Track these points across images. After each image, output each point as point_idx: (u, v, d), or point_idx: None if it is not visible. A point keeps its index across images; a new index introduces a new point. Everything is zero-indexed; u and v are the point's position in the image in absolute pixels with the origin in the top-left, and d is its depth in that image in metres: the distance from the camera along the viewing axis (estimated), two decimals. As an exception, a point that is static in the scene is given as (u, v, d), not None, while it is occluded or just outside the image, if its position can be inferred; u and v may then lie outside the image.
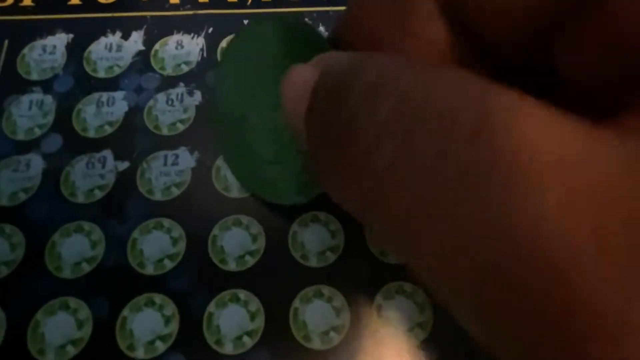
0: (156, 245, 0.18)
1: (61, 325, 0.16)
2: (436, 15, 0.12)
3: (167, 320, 0.16)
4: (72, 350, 0.16)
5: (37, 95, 0.21)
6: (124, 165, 0.19)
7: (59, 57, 0.22)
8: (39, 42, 0.22)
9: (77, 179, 0.19)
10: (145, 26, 0.22)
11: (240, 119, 0.18)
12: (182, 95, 0.21)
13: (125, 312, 0.17)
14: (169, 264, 0.17)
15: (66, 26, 0.22)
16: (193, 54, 0.22)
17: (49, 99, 0.21)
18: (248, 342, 0.16)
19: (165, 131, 0.20)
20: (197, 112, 0.20)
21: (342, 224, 0.18)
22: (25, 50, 0.22)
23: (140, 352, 0.16)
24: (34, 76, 0.21)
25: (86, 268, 0.17)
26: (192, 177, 0.19)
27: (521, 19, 0.11)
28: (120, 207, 0.19)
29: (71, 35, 0.22)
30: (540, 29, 0.11)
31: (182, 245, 0.18)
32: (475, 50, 0.12)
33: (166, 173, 0.19)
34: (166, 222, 0.18)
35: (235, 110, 0.18)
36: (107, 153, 0.20)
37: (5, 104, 0.20)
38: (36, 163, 0.19)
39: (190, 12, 0.23)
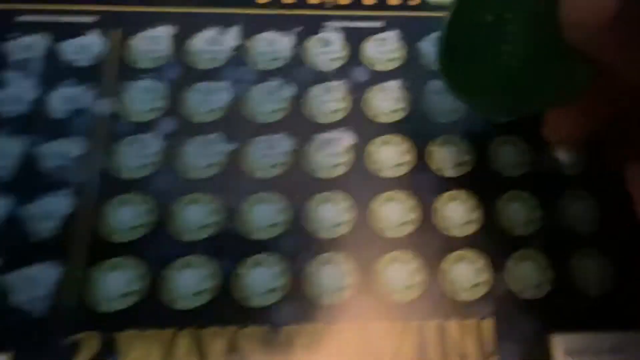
0: (263, 215, 0.21)
1: (189, 279, 0.20)
2: None
3: (277, 277, 0.20)
4: (200, 299, 0.20)
5: (148, 82, 0.23)
6: (231, 146, 0.23)
7: (165, 47, 0.24)
8: (147, 33, 0.24)
9: (192, 157, 0.22)
10: (240, 23, 0.25)
11: (492, 24, 0.18)
12: (276, 87, 0.24)
13: (241, 269, 0.20)
14: (274, 231, 0.21)
15: (170, 19, 0.25)
16: (284, 50, 0.25)
17: (159, 85, 0.23)
18: (343, 295, 0.20)
19: (264, 118, 0.23)
20: (290, 103, 0.23)
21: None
22: (135, 40, 0.24)
23: (255, 301, 0.19)
24: (145, 64, 0.24)
25: (205, 232, 0.21)
26: (291, 159, 0.22)
27: None
28: (231, 183, 0.22)
29: (175, 28, 0.25)
30: None
31: (285, 216, 0.21)
32: None
33: (268, 155, 0.23)
34: (270, 195, 0.22)
35: (487, 15, 0.18)
36: (216, 136, 0.23)
37: (121, 88, 0.23)
38: (155, 142, 0.22)
39: (279, 12, 0.25)
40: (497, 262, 0.21)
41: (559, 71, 0.18)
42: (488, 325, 0.20)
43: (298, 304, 0.20)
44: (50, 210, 0.20)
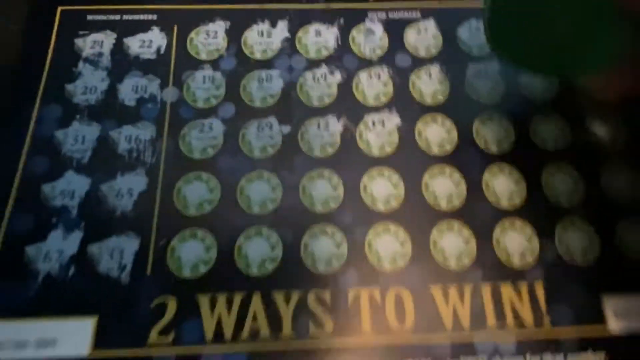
0: (321, 190, 0.23)
1: (258, 248, 0.21)
2: None
3: (338, 245, 0.22)
4: (270, 266, 0.21)
5: (208, 72, 0.25)
6: (287, 128, 0.24)
7: (221, 40, 0.26)
8: (203, 28, 0.26)
9: (252, 139, 0.24)
10: (288, 17, 0.27)
11: None
12: (325, 74, 0.25)
13: (306, 238, 0.22)
14: (332, 204, 0.23)
15: (223, 15, 0.27)
16: (330, 41, 0.26)
17: (218, 75, 0.25)
18: (401, 262, 0.21)
19: (315, 103, 0.25)
20: (338, 88, 0.25)
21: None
22: (192, 34, 0.26)
23: (321, 267, 0.21)
24: (203, 56, 0.26)
25: (270, 206, 0.22)
26: (340, 139, 0.24)
27: None
28: (289, 161, 0.23)
29: (229, 23, 0.27)
30: None
31: (341, 191, 0.23)
32: None
33: (320, 135, 0.24)
34: (326, 172, 0.23)
35: None
36: (272, 119, 0.24)
37: (183, 78, 0.25)
38: (217, 125, 0.24)
39: (324, 6, 0.27)
40: (545, 231, 0.22)
41: (608, 30, 0.19)
42: (540, 288, 0.21)
43: (360, 270, 0.21)
44: (127, 188, 0.22)
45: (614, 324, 0.21)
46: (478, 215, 0.22)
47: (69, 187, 0.22)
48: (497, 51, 0.23)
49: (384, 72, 0.26)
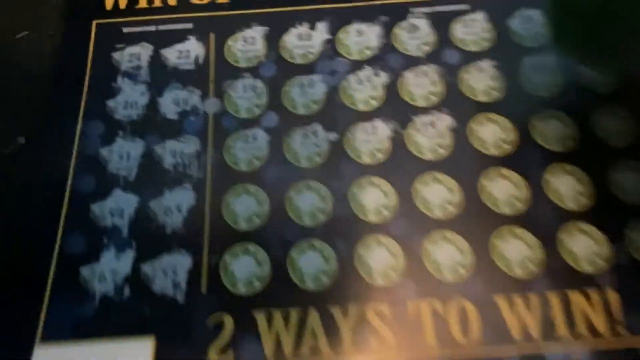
0: (372, 198, 0.22)
1: (312, 261, 0.21)
2: None
3: (394, 256, 0.21)
4: (325, 280, 0.20)
5: (248, 80, 0.25)
6: (332, 135, 0.23)
7: (260, 47, 0.25)
8: (240, 34, 0.26)
9: (298, 148, 0.23)
10: (327, 17, 0.26)
11: None
12: (369, 76, 0.25)
13: (360, 250, 0.21)
14: (386, 213, 0.22)
15: (260, 20, 0.26)
16: (372, 40, 0.25)
17: (259, 83, 0.25)
18: (462, 271, 0.20)
19: (361, 106, 0.24)
20: (384, 89, 0.24)
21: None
22: (230, 42, 0.26)
23: (378, 280, 0.20)
24: (242, 64, 0.25)
25: (321, 217, 0.22)
26: (390, 143, 0.23)
27: None
28: (337, 169, 0.23)
29: (266, 28, 0.26)
30: None
31: (393, 198, 0.22)
32: None
33: (368, 141, 0.23)
34: (377, 179, 0.22)
35: None
36: (317, 126, 0.24)
37: (224, 88, 0.25)
38: (261, 135, 0.23)
39: (364, 4, 0.26)
40: (615, 233, 0.21)
41: None
42: (613, 294, 0.20)
43: (419, 281, 0.21)
44: (176, 204, 0.22)
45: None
46: (542, 218, 0.21)
47: (118, 206, 0.22)
48: (560, 45, 0.21)
49: (431, 70, 0.24)
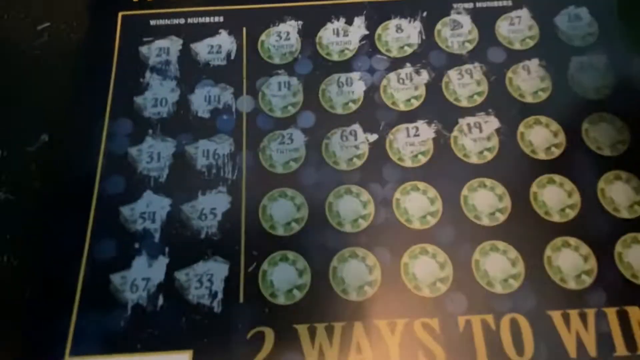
0: (417, 204, 0.21)
1: (355, 271, 0.20)
2: None
3: (442, 266, 0.20)
4: (369, 290, 0.19)
5: (283, 77, 0.24)
6: (373, 137, 0.22)
7: (294, 42, 0.24)
8: (274, 29, 0.25)
9: (336, 150, 0.22)
10: (365, 12, 0.25)
11: None
12: (410, 74, 0.23)
13: (405, 259, 0.20)
14: (431, 220, 0.21)
15: (294, 14, 0.25)
16: (413, 36, 0.24)
17: (294, 81, 0.23)
18: (514, 284, 0.19)
19: (402, 106, 0.23)
20: (427, 89, 0.23)
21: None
22: (263, 37, 0.24)
23: (425, 291, 0.19)
24: (276, 60, 0.24)
25: (363, 224, 0.20)
26: (433, 146, 0.22)
27: None
28: (378, 173, 0.22)
29: (301, 22, 0.25)
30: None
31: (439, 204, 0.21)
32: None
33: (411, 143, 0.22)
34: (421, 184, 0.21)
35: None
36: (356, 127, 0.22)
37: (257, 85, 0.24)
38: (297, 136, 0.22)
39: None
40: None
41: None
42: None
43: (468, 294, 0.19)
44: (210, 208, 0.21)
45: None
46: (596, 228, 0.20)
47: (149, 209, 0.21)
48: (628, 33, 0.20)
49: (476, 69, 0.23)
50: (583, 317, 0.19)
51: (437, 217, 0.21)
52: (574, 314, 0.19)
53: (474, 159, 0.22)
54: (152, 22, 0.25)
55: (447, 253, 0.20)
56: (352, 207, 0.21)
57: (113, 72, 0.24)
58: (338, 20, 0.25)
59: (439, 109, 0.23)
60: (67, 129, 0.22)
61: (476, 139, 0.22)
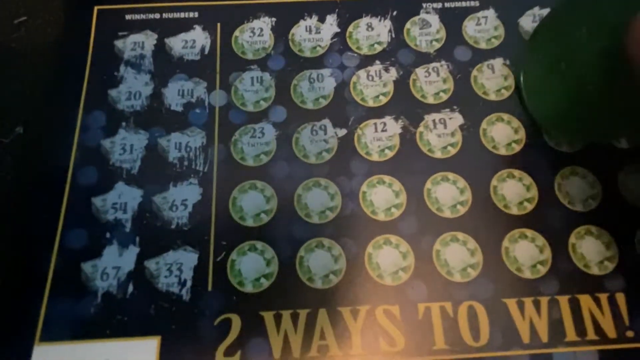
0: (382, 197, 0.21)
1: (321, 260, 0.21)
2: None
3: (404, 256, 0.20)
4: (334, 279, 0.20)
5: (256, 73, 0.24)
6: (342, 132, 0.23)
7: (267, 38, 0.25)
8: (247, 25, 0.25)
9: (306, 144, 0.23)
10: (337, 10, 0.25)
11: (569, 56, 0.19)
12: (379, 71, 0.24)
13: (369, 249, 0.21)
14: (396, 212, 0.21)
15: (268, 11, 0.25)
16: (383, 34, 0.25)
17: (267, 76, 0.24)
18: (472, 273, 0.20)
19: (371, 103, 0.23)
20: (394, 86, 0.24)
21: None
22: (237, 33, 0.25)
23: (388, 280, 0.20)
24: (250, 56, 0.24)
25: (330, 215, 0.21)
26: (400, 141, 0.22)
27: None
28: (346, 167, 0.22)
29: (274, 19, 0.25)
30: None
31: (403, 197, 0.21)
32: None
33: (378, 138, 0.23)
34: (386, 178, 0.22)
35: (563, 49, 0.19)
36: (326, 122, 0.23)
37: (230, 80, 0.24)
38: (269, 130, 0.23)
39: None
40: (623, 236, 0.21)
41: (632, 101, 0.18)
42: (621, 298, 0.20)
43: (429, 282, 0.20)
44: (181, 199, 0.21)
45: None
46: (552, 220, 0.21)
47: (121, 200, 0.21)
48: (535, 117, 0.22)
49: (442, 67, 0.24)
50: (537, 305, 0.20)
51: (401, 209, 0.21)
52: (528, 301, 0.20)
53: (438, 154, 0.22)
54: (128, 17, 0.25)
55: (410, 243, 0.21)
56: (320, 199, 0.22)
57: (88, 65, 0.24)
58: (311, 17, 0.25)
59: (406, 106, 0.23)
60: (41, 121, 0.23)
61: (441, 134, 0.23)
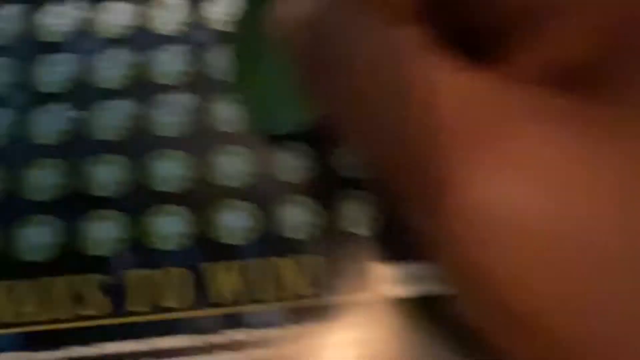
0: (108, 174, 0.22)
1: (38, 234, 0.22)
2: None
3: (120, 229, 0.22)
4: (55, 250, 0.22)
5: (2, 60, 0.25)
6: (79, 114, 0.24)
7: (16, 25, 0.25)
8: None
9: (42, 126, 0.23)
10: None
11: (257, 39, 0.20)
12: (121, 54, 0.25)
13: (87, 223, 0.22)
14: (120, 188, 0.23)
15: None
16: (126, 18, 0.25)
17: (9, 61, 0.24)
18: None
19: (111, 85, 0.24)
20: (136, 67, 0.24)
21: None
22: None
23: (98, 251, 0.21)
24: (-4, 42, 0.25)
25: (53, 194, 0.22)
26: (135, 121, 0.23)
27: None
28: (79, 147, 0.23)
29: (22, 6, 0.25)
30: None
31: (131, 172, 0.22)
32: None
33: (113, 119, 0.24)
34: (113, 157, 0.23)
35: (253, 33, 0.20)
36: (65, 104, 0.24)
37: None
38: (7, 114, 0.24)
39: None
40: (332, 205, 0.23)
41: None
42: (319, 260, 0.22)
43: (138, 253, 0.22)
44: None
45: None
46: (263, 191, 0.23)
47: None
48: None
49: (181, 50, 0.25)
50: (243, 268, 0.22)
51: (125, 185, 0.22)
52: (233, 265, 0.22)
53: (166, 132, 0.23)
54: None
55: (127, 217, 0.22)
56: (45, 179, 0.22)
57: None
58: (55, 3, 0.26)
59: (143, 87, 0.24)
60: None
61: (170, 113, 0.24)
